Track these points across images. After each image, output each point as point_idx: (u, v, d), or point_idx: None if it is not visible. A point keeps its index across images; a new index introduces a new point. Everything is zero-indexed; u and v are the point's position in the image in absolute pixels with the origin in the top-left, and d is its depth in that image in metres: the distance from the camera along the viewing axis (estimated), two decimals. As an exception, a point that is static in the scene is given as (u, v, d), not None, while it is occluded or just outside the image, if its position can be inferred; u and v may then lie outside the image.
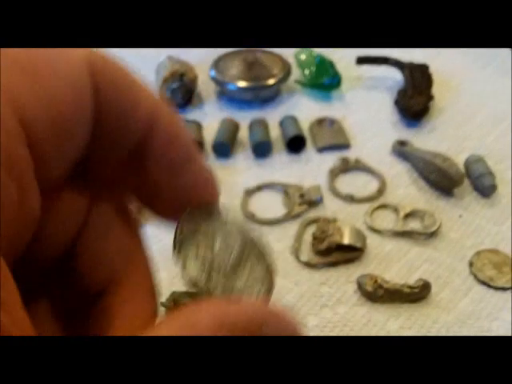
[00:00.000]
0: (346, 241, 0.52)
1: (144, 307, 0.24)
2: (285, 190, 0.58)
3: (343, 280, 0.51)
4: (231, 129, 0.62)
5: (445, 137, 0.65)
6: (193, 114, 0.66)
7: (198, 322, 0.19)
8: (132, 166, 0.23)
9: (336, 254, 0.52)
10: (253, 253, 0.25)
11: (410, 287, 0.49)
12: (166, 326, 0.19)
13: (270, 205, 0.57)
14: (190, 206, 0.24)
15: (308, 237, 0.54)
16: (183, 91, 0.65)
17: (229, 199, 0.57)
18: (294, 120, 0.63)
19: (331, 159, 0.61)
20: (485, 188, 0.58)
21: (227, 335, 0.19)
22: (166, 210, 0.25)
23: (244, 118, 0.65)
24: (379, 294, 0.49)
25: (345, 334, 0.47)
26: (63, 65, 0.19)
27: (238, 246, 0.24)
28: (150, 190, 0.24)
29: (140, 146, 0.22)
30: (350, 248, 0.52)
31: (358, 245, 0.52)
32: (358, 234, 0.53)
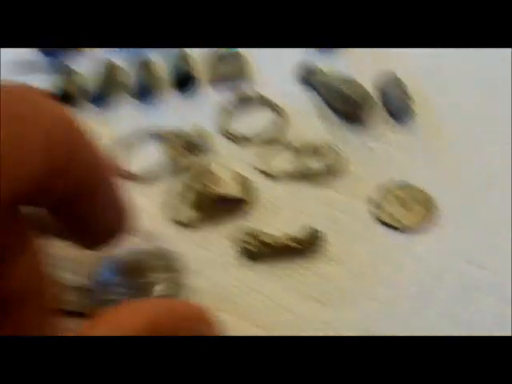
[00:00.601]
0: (228, 191, 0.44)
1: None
2: (168, 137, 0.50)
3: (223, 238, 0.43)
4: (109, 72, 0.54)
5: (358, 59, 0.56)
6: (65, 59, 0.57)
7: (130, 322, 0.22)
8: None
9: (217, 208, 0.45)
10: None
11: (298, 240, 0.41)
12: (99, 329, 0.22)
13: (150, 157, 0.49)
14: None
15: (188, 191, 0.46)
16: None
17: (105, 152, 0.50)
18: (182, 55, 0.55)
19: (226, 96, 0.53)
20: (400, 113, 0.50)
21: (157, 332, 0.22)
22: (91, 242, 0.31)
23: (125, 59, 0.56)
24: (261, 251, 0.41)
25: (220, 302, 0.40)
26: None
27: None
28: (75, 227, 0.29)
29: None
30: (235, 199, 0.45)
31: (243, 195, 0.45)
32: (244, 182, 0.45)
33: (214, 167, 0.46)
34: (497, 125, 0.49)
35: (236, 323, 0.39)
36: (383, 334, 0.37)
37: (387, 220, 0.43)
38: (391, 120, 0.50)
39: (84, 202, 0.28)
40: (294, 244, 0.41)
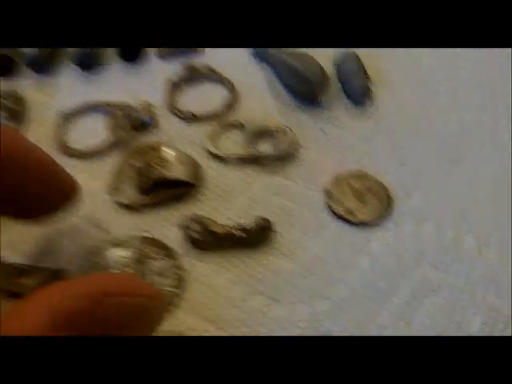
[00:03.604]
0: (173, 174, 0.42)
1: None
2: (111, 111, 0.47)
3: (168, 225, 0.41)
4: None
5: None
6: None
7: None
8: None
9: (163, 191, 0.42)
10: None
11: (245, 229, 0.39)
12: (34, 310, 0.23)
13: (91, 132, 0.46)
14: None
15: (133, 171, 0.43)
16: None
17: (43, 127, 0.46)
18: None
19: (176, 68, 0.50)
20: (358, 95, 0.48)
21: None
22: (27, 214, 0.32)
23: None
24: (208, 240, 0.39)
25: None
26: None
27: None
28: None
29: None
30: (182, 183, 0.42)
31: (189, 178, 0.42)
32: (191, 165, 0.43)
33: (161, 147, 0.43)
34: (460, 110, 0.47)
35: (182, 316, 0.36)
36: (334, 335, 0.35)
37: (341, 213, 0.41)
38: (349, 102, 0.48)
39: (14, 172, 0.30)
40: (240, 233, 0.39)
